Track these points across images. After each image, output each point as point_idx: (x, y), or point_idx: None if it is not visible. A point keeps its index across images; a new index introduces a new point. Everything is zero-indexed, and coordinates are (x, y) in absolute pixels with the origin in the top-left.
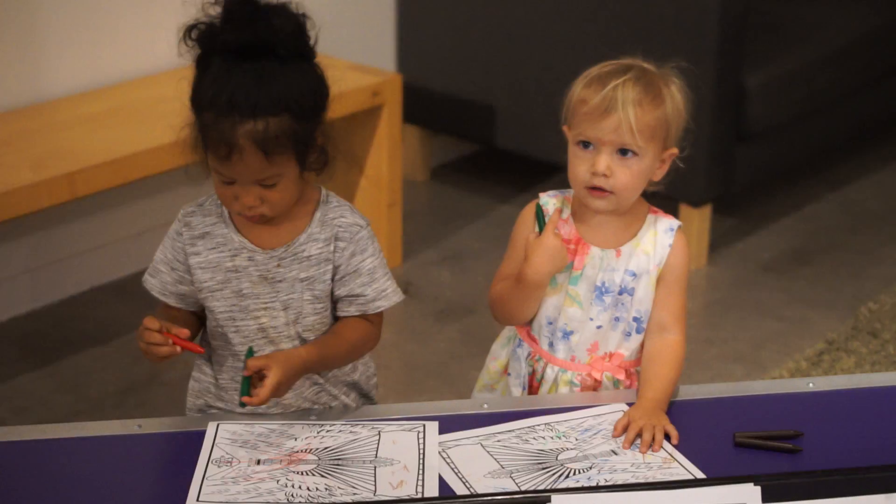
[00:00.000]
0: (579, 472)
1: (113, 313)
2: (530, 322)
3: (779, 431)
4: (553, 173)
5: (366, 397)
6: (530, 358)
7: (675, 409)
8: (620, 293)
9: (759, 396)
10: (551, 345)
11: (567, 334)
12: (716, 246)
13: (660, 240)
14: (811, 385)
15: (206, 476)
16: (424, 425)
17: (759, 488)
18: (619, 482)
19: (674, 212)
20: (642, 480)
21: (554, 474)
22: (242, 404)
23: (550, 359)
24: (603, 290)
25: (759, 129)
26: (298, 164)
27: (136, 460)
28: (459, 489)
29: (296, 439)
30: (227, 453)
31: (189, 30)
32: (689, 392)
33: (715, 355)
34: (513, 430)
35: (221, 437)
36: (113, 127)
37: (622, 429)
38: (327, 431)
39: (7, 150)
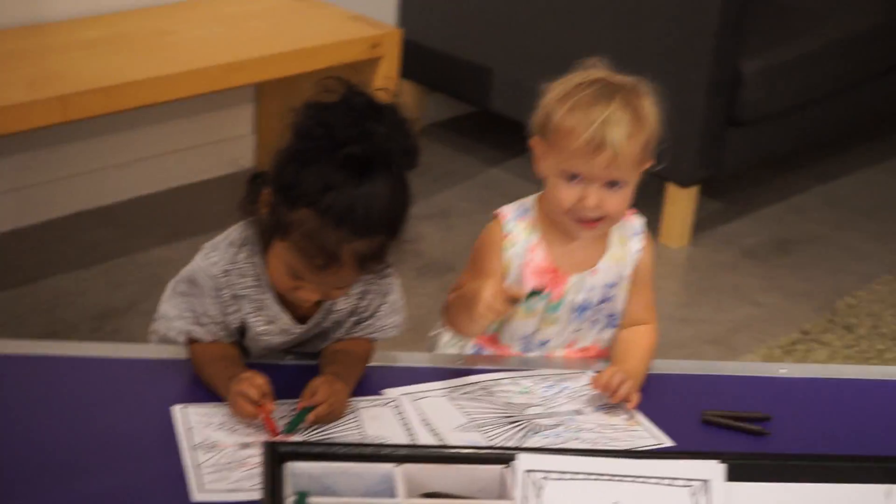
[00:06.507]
0: (547, 429)
1: (96, 239)
2: (499, 333)
3: (747, 413)
4: None
5: None
6: None
7: (645, 383)
8: (600, 303)
9: (730, 377)
10: (526, 350)
11: (543, 343)
12: (699, 227)
13: (630, 246)
14: (783, 371)
15: (200, 464)
16: (387, 393)
17: (723, 466)
18: (586, 440)
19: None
20: (608, 440)
21: (522, 429)
22: (289, 430)
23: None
24: (583, 307)
25: (752, 115)
26: None
27: (109, 384)
28: (430, 442)
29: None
30: (207, 437)
31: (306, 120)
32: (660, 367)
33: (689, 335)
34: (477, 383)
35: (195, 421)
36: (110, 54)
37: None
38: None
39: (3, 67)
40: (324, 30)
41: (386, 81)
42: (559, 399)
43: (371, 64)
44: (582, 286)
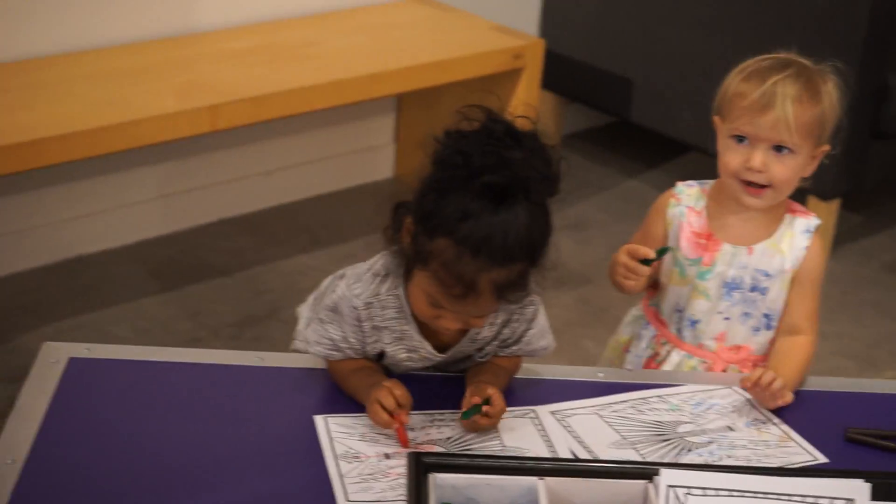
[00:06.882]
0: (700, 446)
1: (238, 246)
2: (659, 305)
3: (892, 432)
4: (684, 153)
5: None
6: (654, 340)
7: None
8: (751, 290)
9: (874, 395)
10: (679, 330)
11: (694, 322)
12: (840, 241)
13: (796, 241)
14: None
15: (343, 474)
16: (534, 410)
17: (869, 485)
18: (740, 458)
19: (801, 202)
20: (762, 457)
21: (676, 447)
22: (465, 417)
23: (678, 343)
24: (733, 285)
25: None
26: None
27: (254, 391)
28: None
29: (412, 430)
30: (350, 448)
31: (445, 149)
32: (805, 383)
33: (828, 350)
34: (626, 401)
35: (336, 432)
36: (259, 64)
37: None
38: (440, 420)
39: (154, 76)
40: (466, 40)
41: (528, 92)
42: (709, 415)
43: (513, 75)
44: (734, 261)
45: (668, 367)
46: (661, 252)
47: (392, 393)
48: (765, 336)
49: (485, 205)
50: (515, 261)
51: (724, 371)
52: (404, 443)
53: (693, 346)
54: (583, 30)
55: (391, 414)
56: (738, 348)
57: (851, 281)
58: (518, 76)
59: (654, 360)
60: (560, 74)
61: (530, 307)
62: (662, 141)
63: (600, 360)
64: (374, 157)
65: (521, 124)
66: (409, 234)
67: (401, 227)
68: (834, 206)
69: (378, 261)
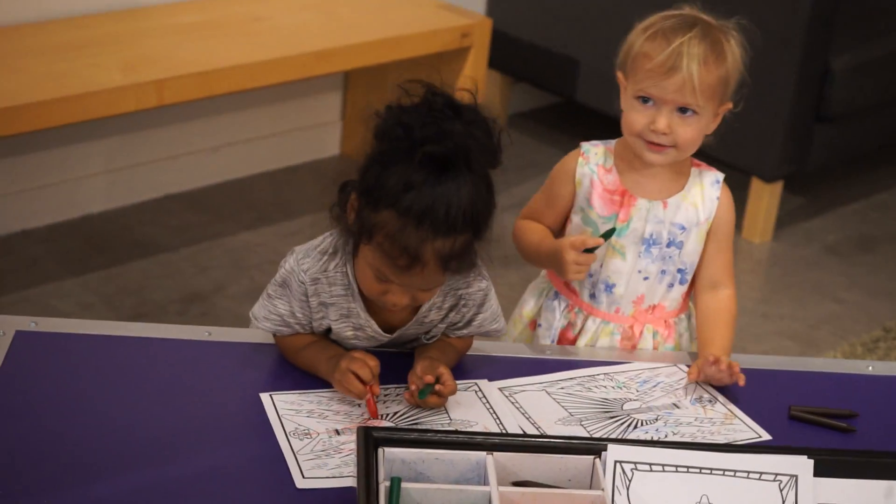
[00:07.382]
0: (647, 423)
1: (184, 222)
2: None
3: (834, 409)
4: None
5: None
6: (567, 310)
7: None
8: (668, 245)
9: (818, 373)
10: (593, 296)
11: (610, 287)
12: (782, 223)
13: (707, 193)
14: (870, 368)
15: (297, 451)
16: (476, 383)
17: (812, 461)
18: (686, 435)
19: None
20: (707, 434)
21: (622, 423)
22: (422, 394)
23: (592, 311)
24: (651, 242)
25: (839, 111)
26: None
27: (203, 366)
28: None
29: (359, 405)
30: (299, 425)
31: (385, 121)
32: (748, 361)
33: (770, 330)
34: (574, 378)
35: (284, 409)
36: (206, 39)
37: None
38: (387, 395)
39: (101, 50)
40: (414, 19)
41: (475, 71)
42: (655, 393)
43: (460, 54)
44: (650, 216)
45: (584, 336)
46: (608, 235)
47: (367, 363)
48: (678, 291)
49: (427, 175)
50: (459, 231)
51: (640, 333)
52: (374, 413)
53: (608, 312)
54: (530, 10)
55: (364, 384)
56: (653, 308)
57: (793, 262)
58: (465, 55)
59: (569, 331)
60: (507, 54)
61: (479, 292)
62: (607, 121)
63: (506, 338)
64: (321, 135)
65: (462, 97)
66: (353, 209)
67: (347, 205)
68: (777, 188)
69: (326, 238)
